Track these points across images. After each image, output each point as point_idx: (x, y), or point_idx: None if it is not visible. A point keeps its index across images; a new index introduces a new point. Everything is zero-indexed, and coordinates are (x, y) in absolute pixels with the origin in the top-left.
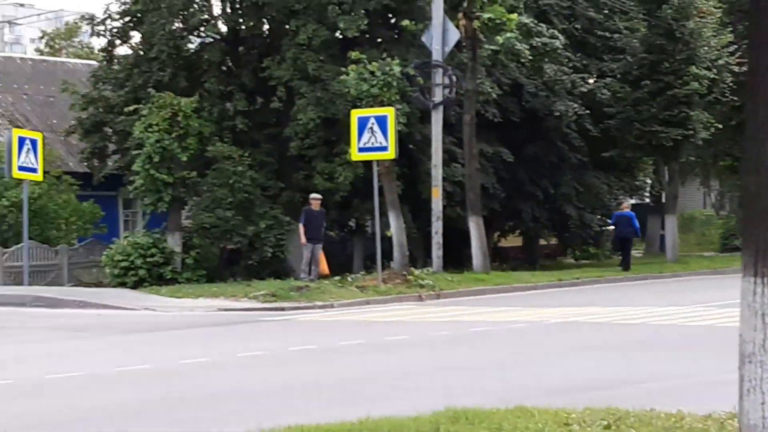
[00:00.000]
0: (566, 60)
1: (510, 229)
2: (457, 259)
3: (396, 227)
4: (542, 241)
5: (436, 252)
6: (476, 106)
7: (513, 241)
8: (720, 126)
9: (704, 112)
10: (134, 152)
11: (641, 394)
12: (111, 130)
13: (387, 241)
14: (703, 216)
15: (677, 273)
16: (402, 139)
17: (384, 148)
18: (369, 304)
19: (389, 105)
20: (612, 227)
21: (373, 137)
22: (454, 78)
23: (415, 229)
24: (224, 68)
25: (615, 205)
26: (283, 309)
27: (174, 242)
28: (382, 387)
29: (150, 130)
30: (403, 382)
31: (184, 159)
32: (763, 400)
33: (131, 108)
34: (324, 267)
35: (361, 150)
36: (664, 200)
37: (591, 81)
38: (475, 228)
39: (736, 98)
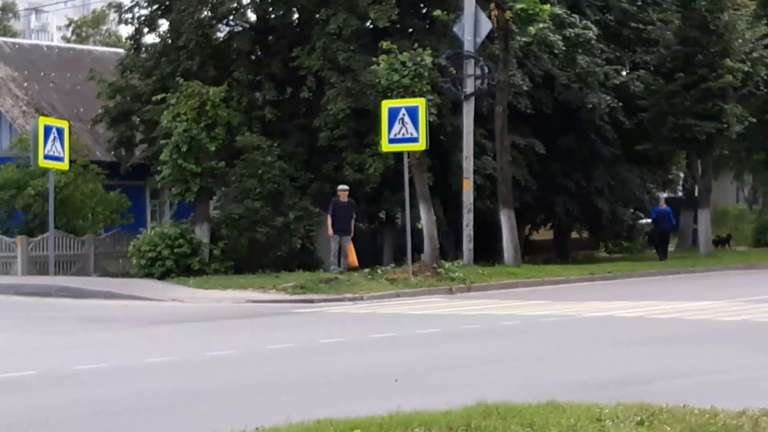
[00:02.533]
0: (599, 52)
1: (542, 222)
2: (487, 252)
3: (426, 219)
4: (574, 235)
5: (467, 245)
6: (508, 98)
7: (544, 234)
8: (754, 120)
9: (738, 106)
10: (162, 142)
11: (674, 390)
12: (138, 119)
13: (417, 234)
14: (736, 210)
15: (710, 267)
16: (433, 131)
17: (415, 140)
18: (399, 297)
19: (420, 96)
20: (648, 221)
21: (404, 128)
22: (486, 69)
23: (445, 222)
24: (253, 57)
25: (648, 199)
26: (312, 301)
27: (202, 233)
28: (413, 380)
29: (178, 119)
30: (434, 375)
31: (213, 149)
32: None
33: (159, 97)
34: (353, 259)
35: (391, 141)
36: (696, 194)
37: (624, 73)
38: (506, 221)
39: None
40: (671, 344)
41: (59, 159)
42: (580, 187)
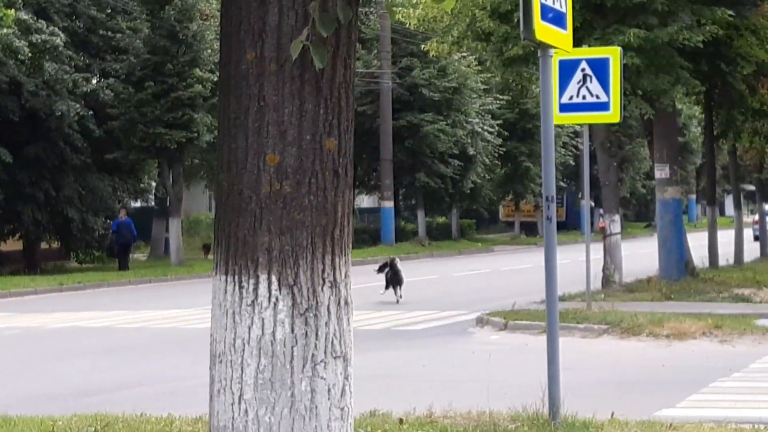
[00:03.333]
0: (68, 59)
1: (9, 232)
2: None
3: None
4: (45, 245)
5: None
6: None
7: (13, 245)
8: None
9: (208, 115)
10: None
11: (136, 398)
12: None
13: None
14: (209, 219)
15: (181, 276)
16: None
17: None
18: None
19: None
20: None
21: None
22: None
23: None
24: None
25: (119, 209)
26: None
27: None
28: None
29: None
30: None
31: None
32: (232, 400)
33: None
34: None
35: None
36: (168, 203)
37: (94, 81)
38: None
39: None
40: (135, 353)
41: None
42: (49, 197)
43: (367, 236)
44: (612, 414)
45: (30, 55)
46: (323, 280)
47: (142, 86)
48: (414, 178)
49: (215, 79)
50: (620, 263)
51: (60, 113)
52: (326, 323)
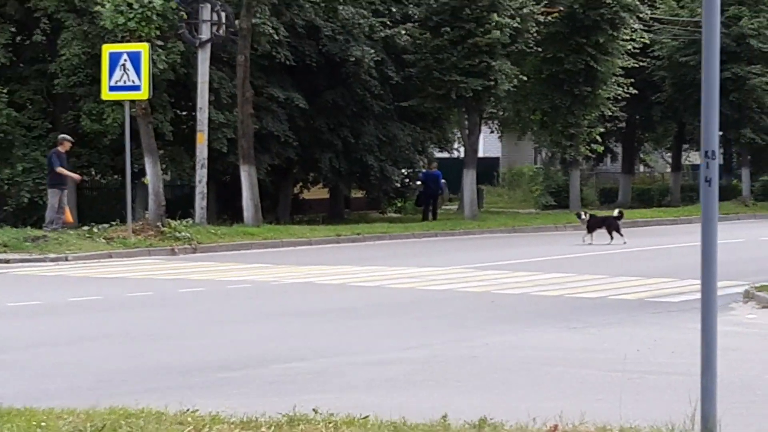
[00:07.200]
0: (366, 2)
1: (314, 180)
2: (238, 211)
3: (152, 174)
4: (358, 194)
5: (200, 202)
6: (265, 47)
7: (319, 193)
8: (525, 78)
9: (507, 62)
10: None
11: (276, 377)
12: None
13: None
14: (531, 172)
15: (470, 230)
16: (180, 80)
17: (137, 88)
18: (111, 258)
19: (147, 41)
20: (419, 184)
21: (125, 75)
22: (224, 15)
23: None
24: None
25: (429, 161)
26: (8, 261)
27: None
28: None
29: None
30: (14, 356)
31: None
32: None
33: None
34: (68, 215)
35: (112, 89)
36: (464, 154)
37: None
38: (246, 177)
39: (540, 49)
40: (339, 317)
41: None
42: (347, 144)
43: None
44: None
45: None
46: None
47: (438, 32)
48: (739, 134)
49: (515, 25)
50: None
51: (355, 58)
52: None
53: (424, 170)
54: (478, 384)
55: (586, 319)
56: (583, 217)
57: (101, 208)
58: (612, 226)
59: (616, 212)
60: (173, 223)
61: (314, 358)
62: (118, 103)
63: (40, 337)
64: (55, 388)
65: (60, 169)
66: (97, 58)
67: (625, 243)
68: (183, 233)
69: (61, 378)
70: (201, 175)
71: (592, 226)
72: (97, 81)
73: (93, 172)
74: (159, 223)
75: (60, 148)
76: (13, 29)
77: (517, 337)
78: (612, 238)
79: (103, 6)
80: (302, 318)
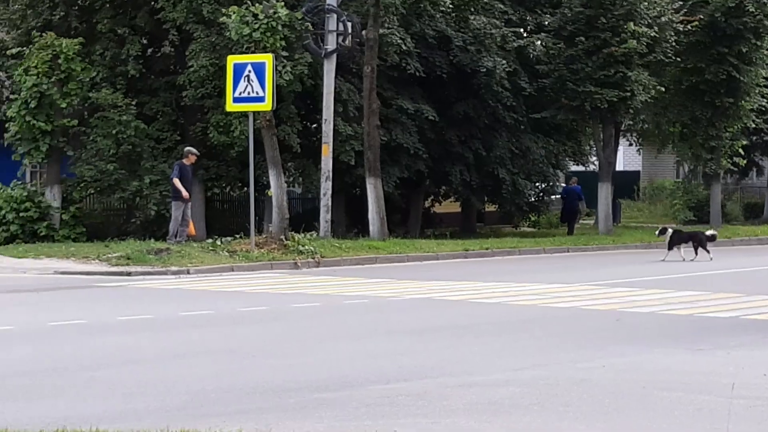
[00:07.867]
0: (500, 12)
1: (445, 194)
2: (368, 224)
3: (275, 186)
4: (491, 208)
5: (324, 215)
6: (394, 58)
7: (451, 207)
8: (663, 89)
9: (644, 73)
10: (12, 97)
11: (373, 398)
12: (5, 75)
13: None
14: (672, 186)
15: (604, 246)
16: (307, 92)
17: (261, 99)
18: (234, 271)
19: (272, 52)
20: (559, 197)
21: (249, 86)
22: (350, 25)
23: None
24: (120, 10)
25: (568, 176)
26: (130, 274)
27: (51, 196)
28: (78, 379)
29: (29, 73)
30: (95, 374)
31: (64, 106)
32: None
33: (14, 51)
34: (192, 227)
35: (236, 100)
36: (598, 167)
37: (524, 35)
38: (372, 190)
39: (680, 59)
40: (456, 335)
41: None
42: (478, 156)
43: None
44: None
45: (451, 5)
46: None
47: (572, 42)
48: None
49: (652, 34)
50: None
51: (486, 69)
52: None
53: (563, 185)
54: (585, 410)
55: (715, 341)
56: (668, 232)
57: (230, 221)
58: (696, 240)
59: (709, 232)
60: (297, 236)
61: (418, 378)
62: (245, 115)
63: (139, 352)
64: (144, 407)
65: (175, 181)
66: (224, 69)
67: (711, 259)
68: (306, 247)
69: (153, 396)
70: (326, 187)
71: (676, 241)
72: (224, 93)
73: (222, 185)
74: (282, 237)
75: (185, 161)
76: (144, 41)
77: (637, 359)
78: (697, 254)
79: (229, 17)
80: (414, 335)
